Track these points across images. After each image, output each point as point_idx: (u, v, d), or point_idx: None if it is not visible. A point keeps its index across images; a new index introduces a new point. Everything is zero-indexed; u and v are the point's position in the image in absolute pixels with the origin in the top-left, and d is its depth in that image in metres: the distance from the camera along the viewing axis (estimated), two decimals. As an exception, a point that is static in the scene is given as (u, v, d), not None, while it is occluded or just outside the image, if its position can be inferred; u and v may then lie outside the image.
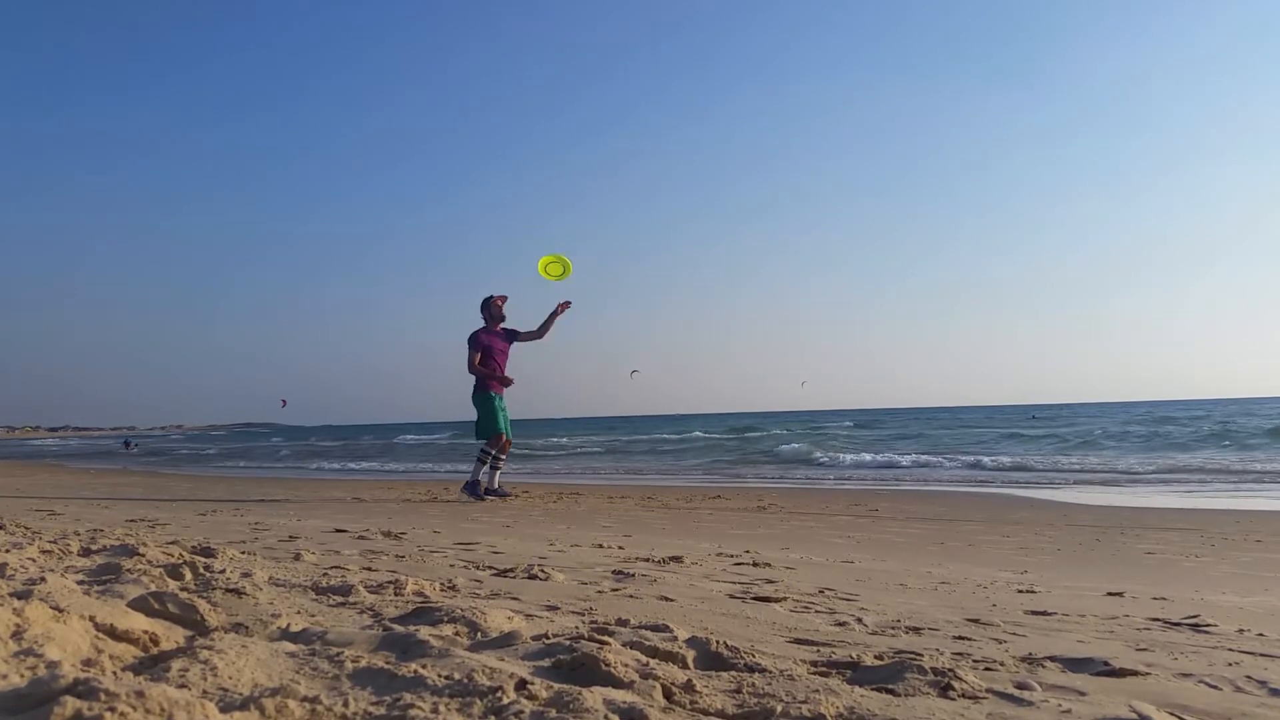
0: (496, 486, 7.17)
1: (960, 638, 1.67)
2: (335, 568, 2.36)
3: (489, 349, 7.21)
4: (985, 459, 13.08)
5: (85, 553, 2.40)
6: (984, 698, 1.13)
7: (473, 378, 7.21)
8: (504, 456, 7.28)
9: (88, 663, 1.04)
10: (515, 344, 7.40)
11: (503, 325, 7.34)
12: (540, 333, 7.38)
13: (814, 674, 1.22)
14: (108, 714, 0.74)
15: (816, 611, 1.96)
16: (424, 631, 1.29)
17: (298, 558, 2.57)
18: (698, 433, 28.66)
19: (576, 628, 1.47)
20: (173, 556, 2.21)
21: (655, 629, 1.47)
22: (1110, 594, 2.61)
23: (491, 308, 7.28)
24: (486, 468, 7.14)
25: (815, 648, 1.47)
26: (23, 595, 1.31)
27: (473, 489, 7.04)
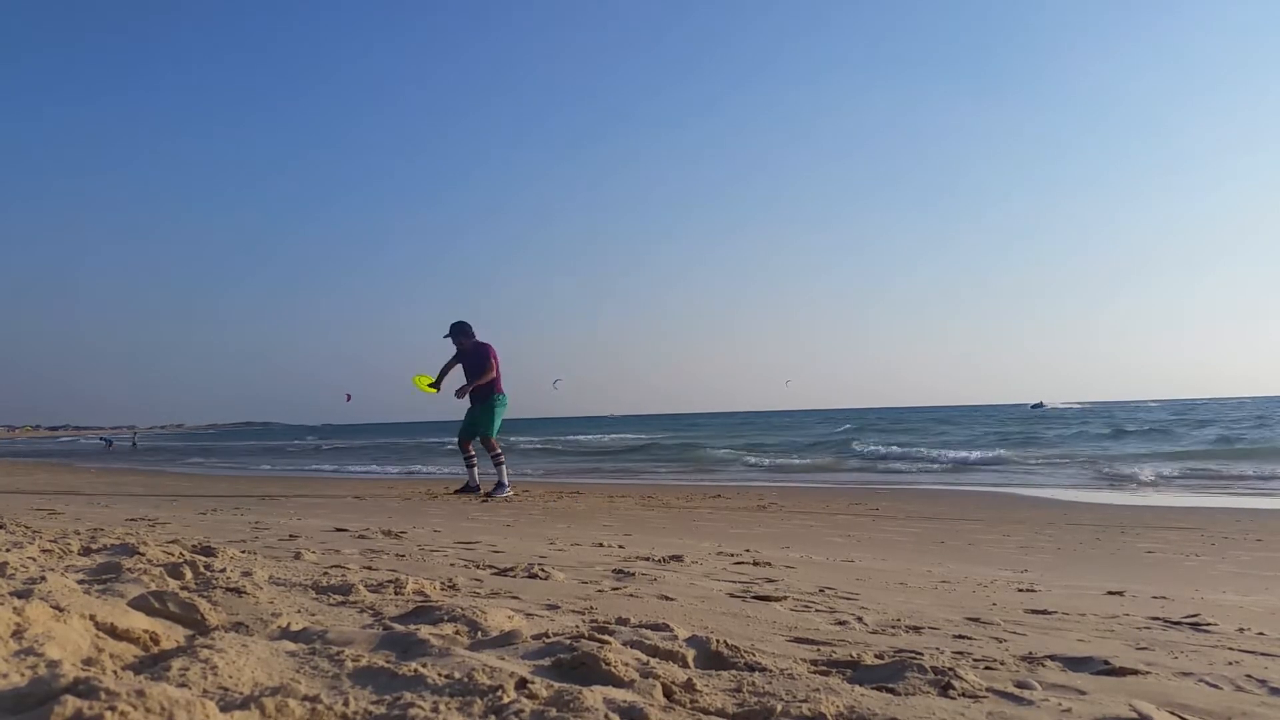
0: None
1: (960, 637, 1.67)
2: (335, 567, 2.36)
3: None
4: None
5: (86, 552, 2.40)
6: (984, 697, 1.13)
7: (481, 381, 7.66)
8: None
9: (88, 662, 1.04)
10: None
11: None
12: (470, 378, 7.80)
13: (814, 673, 1.22)
14: (108, 713, 0.74)
15: (817, 610, 1.96)
16: (424, 631, 1.29)
17: (298, 557, 2.57)
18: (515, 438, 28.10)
19: (577, 627, 1.47)
20: (173, 556, 2.21)
21: (655, 628, 1.47)
22: (1110, 593, 2.61)
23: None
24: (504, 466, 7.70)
25: (815, 647, 1.47)
26: (23, 594, 1.31)
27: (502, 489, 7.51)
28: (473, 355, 7.70)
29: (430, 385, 7.86)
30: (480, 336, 7.82)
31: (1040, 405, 72.39)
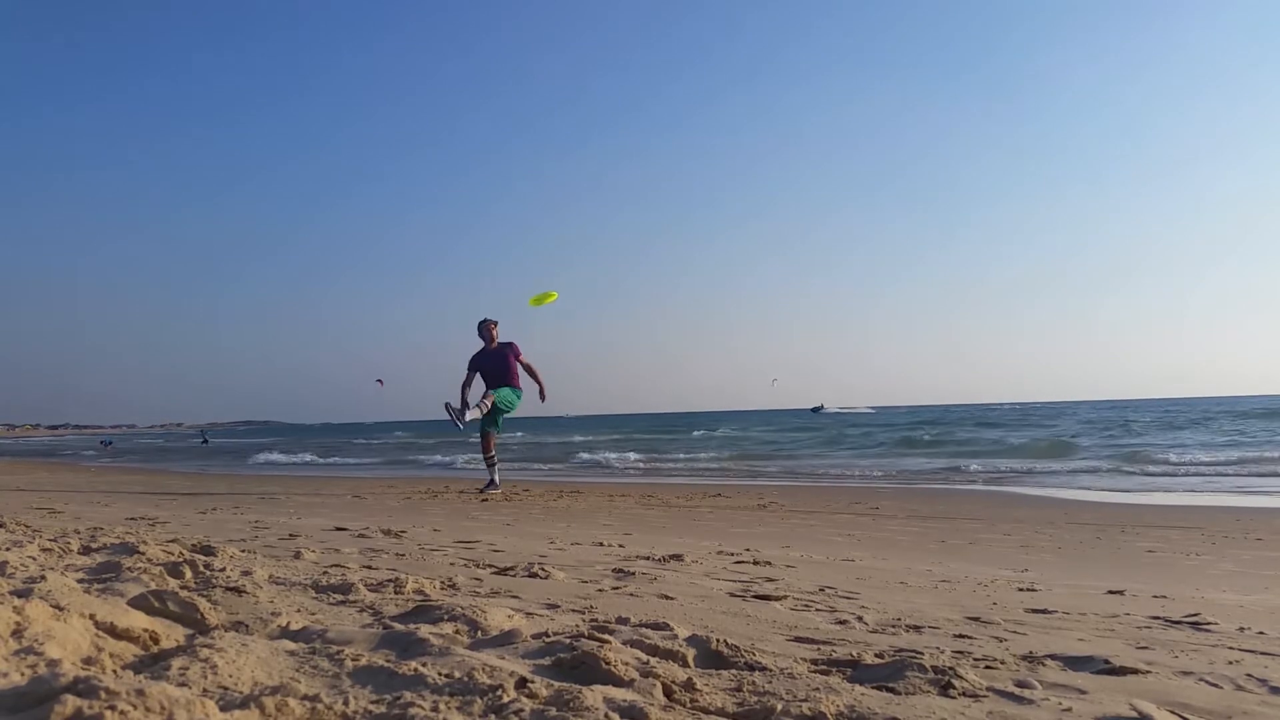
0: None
1: (961, 636, 1.67)
2: (335, 566, 2.36)
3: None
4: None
5: (85, 551, 2.41)
6: (984, 696, 1.13)
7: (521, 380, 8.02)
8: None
9: (88, 661, 1.04)
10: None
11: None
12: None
13: (814, 672, 1.22)
14: (108, 712, 0.74)
15: (817, 610, 1.96)
16: (424, 630, 1.29)
17: (298, 556, 2.57)
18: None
19: (577, 626, 1.47)
20: (173, 555, 2.21)
21: (655, 627, 1.47)
22: (1111, 592, 2.61)
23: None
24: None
25: (816, 646, 1.47)
26: (23, 593, 1.31)
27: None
28: (499, 354, 7.90)
29: (545, 298, 7.98)
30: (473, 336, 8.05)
31: (820, 409, 73.61)
